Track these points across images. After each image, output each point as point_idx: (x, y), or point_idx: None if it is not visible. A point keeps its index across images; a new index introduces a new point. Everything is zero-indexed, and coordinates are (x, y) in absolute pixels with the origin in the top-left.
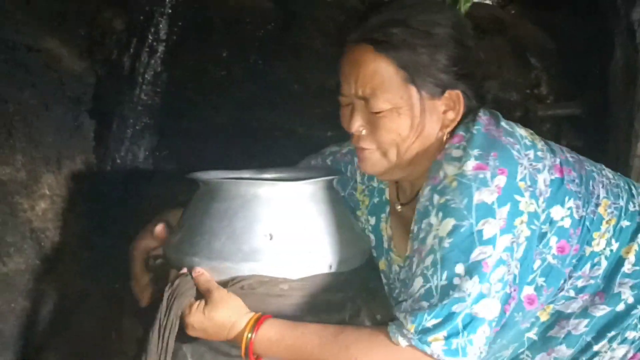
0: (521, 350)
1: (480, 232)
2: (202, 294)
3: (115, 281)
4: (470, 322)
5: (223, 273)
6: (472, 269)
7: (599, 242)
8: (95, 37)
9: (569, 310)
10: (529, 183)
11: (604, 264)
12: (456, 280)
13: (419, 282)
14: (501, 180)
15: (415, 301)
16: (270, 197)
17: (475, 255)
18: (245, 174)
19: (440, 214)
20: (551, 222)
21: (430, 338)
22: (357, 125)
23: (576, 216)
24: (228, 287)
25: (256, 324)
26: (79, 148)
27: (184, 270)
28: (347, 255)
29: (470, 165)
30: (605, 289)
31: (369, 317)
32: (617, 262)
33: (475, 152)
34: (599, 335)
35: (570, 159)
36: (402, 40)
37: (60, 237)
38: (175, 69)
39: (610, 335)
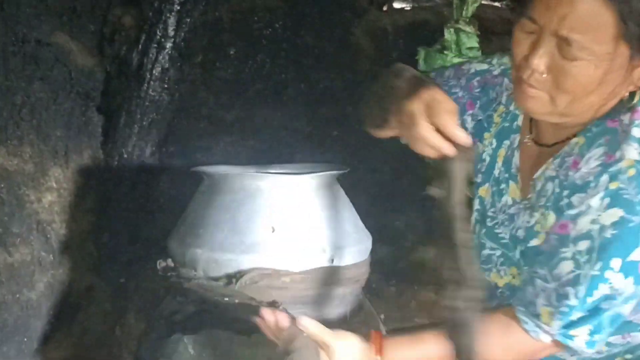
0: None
1: None
2: (319, 345)
3: (120, 276)
4: (616, 319)
5: (225, 265)
6: (629, 268)
7: None
8: (105, 33)
9: None
10: None
11: None
12: (608, 274)
13: (568, 266)
14: None
15: (561, 285)
16: (273, 190)
17: (635, 255)
18: (250, 169)
19: (607, 200)
20: None
21: (573, 331)
22: (539, 63)
23: None
24: (235, 284)
25: None
26: (86, 143)
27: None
28: (349, 250)
29: None
30: None
31: (370, 313)
32: None
33: None
34: None
35: None
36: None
37: (67, 230)
38: (183, 66)
39: None
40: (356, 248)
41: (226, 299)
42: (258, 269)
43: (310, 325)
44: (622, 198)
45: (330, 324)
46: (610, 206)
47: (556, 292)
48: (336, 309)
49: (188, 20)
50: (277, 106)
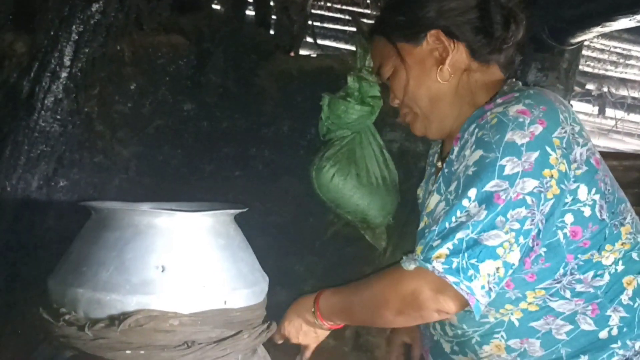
0: (499, 329)
1: (502, 167)
2: None
3: None
4: (474, 245)
5: (108, 306)
6: (484, 198)
7: (608, 257)
8: None
9: (560, 310)
10: (564, 145)
11: (607, 279)
12: (465, 202)
13: (441, 205)
14: (537, 129)
15: (434, 221)
16: (165, 227)
17: (490, 186)
18: (143, 206)
19: (474, 147)
20: (574, 198)
21: (433, 255)
22: (391, 99)
23: (598, 215)
24: (118, 327)
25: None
26: None
27: None
28: (244, 292)
29: (514, 108)
30: (601, 305)
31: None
32: (619, 287)
33: (527, 101)
34: (572, 354)
35: (608, 177)
36: (381, 15)
37: None
38: (78, 98)
39: (582, 358)
40: (251, 290)
41: (107, 342)
42: (144, 311)
43: None
44: (483, 141)
45: None
46: (475, 149)
47: (429, 228)
48: (228, 354)
49: (87, 50)
50: (178, 143)
